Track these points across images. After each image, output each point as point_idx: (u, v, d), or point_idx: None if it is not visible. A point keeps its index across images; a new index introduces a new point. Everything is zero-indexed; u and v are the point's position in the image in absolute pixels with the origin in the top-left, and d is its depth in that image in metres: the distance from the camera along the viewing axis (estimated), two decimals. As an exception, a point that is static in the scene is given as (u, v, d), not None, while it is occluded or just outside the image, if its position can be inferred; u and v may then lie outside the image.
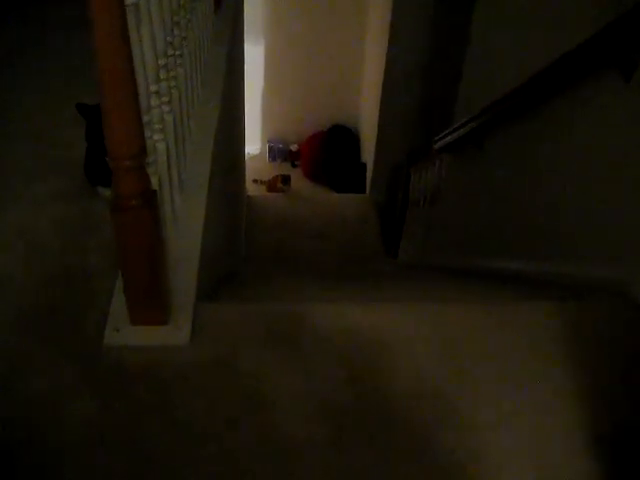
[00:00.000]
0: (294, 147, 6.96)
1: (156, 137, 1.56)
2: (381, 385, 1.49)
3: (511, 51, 2.99)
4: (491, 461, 1.34)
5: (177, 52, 1.79)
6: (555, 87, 2.19)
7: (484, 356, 1.58)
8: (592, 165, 2.01)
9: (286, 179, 6.28)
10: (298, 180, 6.63)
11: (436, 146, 3.77)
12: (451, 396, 1.47)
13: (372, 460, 1.34)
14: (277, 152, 7.00)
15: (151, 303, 1.48)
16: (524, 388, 1.51)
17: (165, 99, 1.63)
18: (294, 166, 6.94)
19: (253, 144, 6.88)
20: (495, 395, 1.49)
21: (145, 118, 1.37)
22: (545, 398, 1.49)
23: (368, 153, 6.11)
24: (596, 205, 1.98)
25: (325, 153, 6.62)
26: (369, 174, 6.11)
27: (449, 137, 3.48)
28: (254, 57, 6.11)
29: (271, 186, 6.36)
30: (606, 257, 1.90)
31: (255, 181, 6.40)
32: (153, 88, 1.53)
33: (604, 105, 1.94)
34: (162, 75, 1.60)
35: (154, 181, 1.48)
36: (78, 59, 2.51)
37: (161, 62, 1.60)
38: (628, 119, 1.81)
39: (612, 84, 1.81)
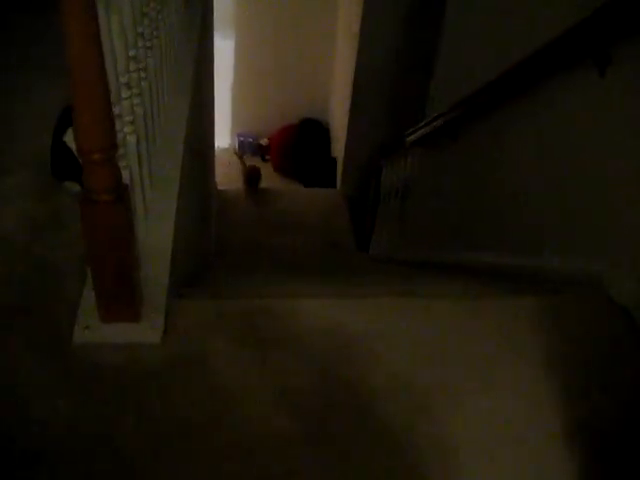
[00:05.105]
0: (264, 141, 6.91)
1: (127, 130, 1.52)
2: (355, 381, 1.49)
3: (484, 44, 3.00)
4: (469, 453, 1.35)
5: (147, 43, 1.76)
6: (530, 80, 2.20)
7: (460, 351, 1.59)
8: (566, 158, 2.03)
9: (253, 180, 6.11)
10: (268, 174, 6.59)
11: (409, 139, 3.77)
12: (426, 392, 1.47)
13: (347, 456, 1.33)
14: (247, 146, 6.95)
15: (122, 300, 1.45)
16: (500, 381, 1.51)
17: (135, 91, 1.59)
18: (264, 160, 6.89)
19: (223, 138, 6.82)
20: (471, 389, 1.49)
21: (115, 110, 1.33)
22: (521, 391, 1.50)
23: (339, 147, 6.10)
24: (570, 198, 2.00)
25: (295, 147, 6.59)
26: (340, 168, 6.10)
27: (422, 130, 3.47)
28: (224, 50, 6.06)
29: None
30: (580, 250, 1.91)
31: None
32: (123, 79, 1.49)
33: (578, 98, 1.95)
34: (132, 66, 1.56)
35: (125, 175, 1.44)
36: (39, 50, 2.47)
37: (131, 53, 1.56)
38: (601, 113, 1.83)
39: (586, 78, 1.82)
